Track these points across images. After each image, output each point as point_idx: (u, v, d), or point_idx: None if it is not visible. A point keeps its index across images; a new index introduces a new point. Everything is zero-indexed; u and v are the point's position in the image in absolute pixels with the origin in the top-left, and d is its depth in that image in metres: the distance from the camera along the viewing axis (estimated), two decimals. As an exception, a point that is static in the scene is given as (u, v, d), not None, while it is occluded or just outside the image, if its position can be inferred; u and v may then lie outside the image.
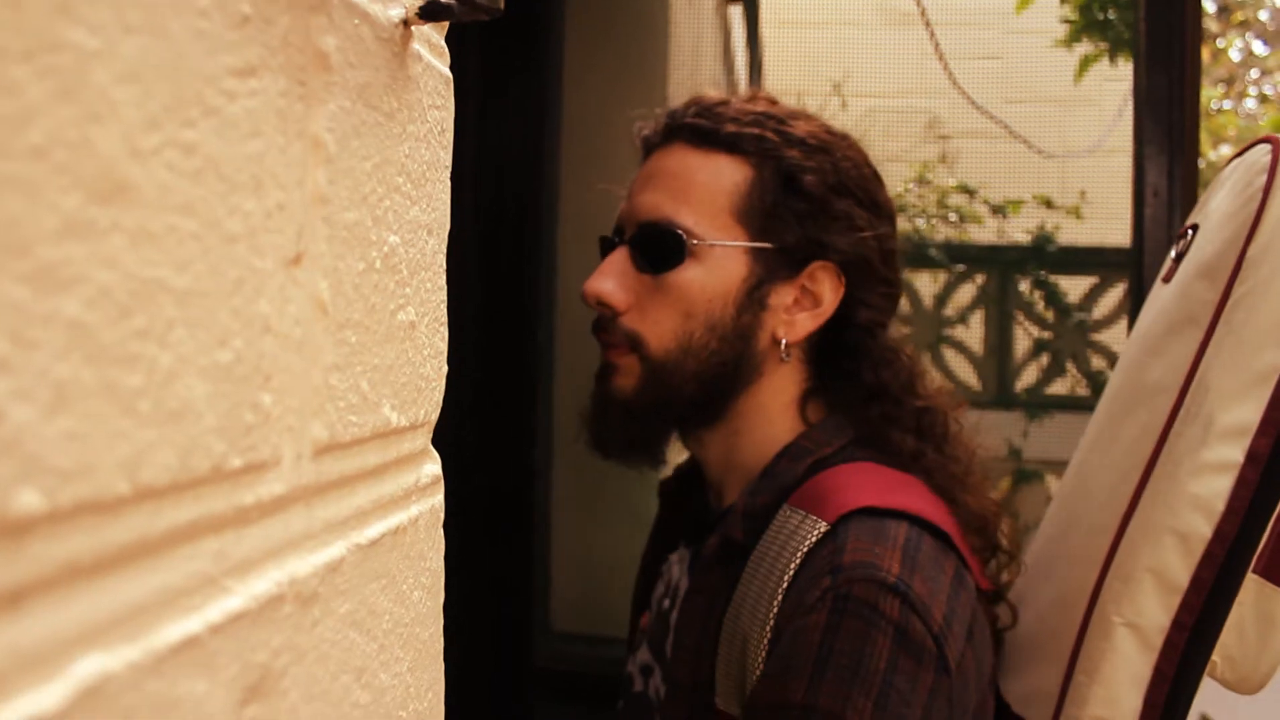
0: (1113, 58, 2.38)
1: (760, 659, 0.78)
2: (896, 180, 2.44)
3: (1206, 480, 0.75)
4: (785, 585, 0.78)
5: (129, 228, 0.25)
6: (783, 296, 0.88)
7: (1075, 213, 2.08)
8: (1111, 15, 2.17)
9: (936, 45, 2.64)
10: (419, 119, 0.44)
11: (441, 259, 0.48)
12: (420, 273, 0.45)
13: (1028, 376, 1.97)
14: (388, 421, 0.41)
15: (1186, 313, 0.80)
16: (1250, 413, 0.74)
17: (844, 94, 3.11)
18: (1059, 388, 1.95)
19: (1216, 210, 0.82)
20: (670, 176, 0.89)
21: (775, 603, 0.78)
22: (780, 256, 0.87)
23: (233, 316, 0.30)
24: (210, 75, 0.28)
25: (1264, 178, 0.77)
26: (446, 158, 0.48)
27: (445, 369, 0.49)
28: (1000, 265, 2.02)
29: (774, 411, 0.90)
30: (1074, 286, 2.06)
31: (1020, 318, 2.03)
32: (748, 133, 0.88)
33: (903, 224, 2.32)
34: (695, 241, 0.86)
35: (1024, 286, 2.07)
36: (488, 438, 1.50)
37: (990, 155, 3.04)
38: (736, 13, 2.43)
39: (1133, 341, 0.91)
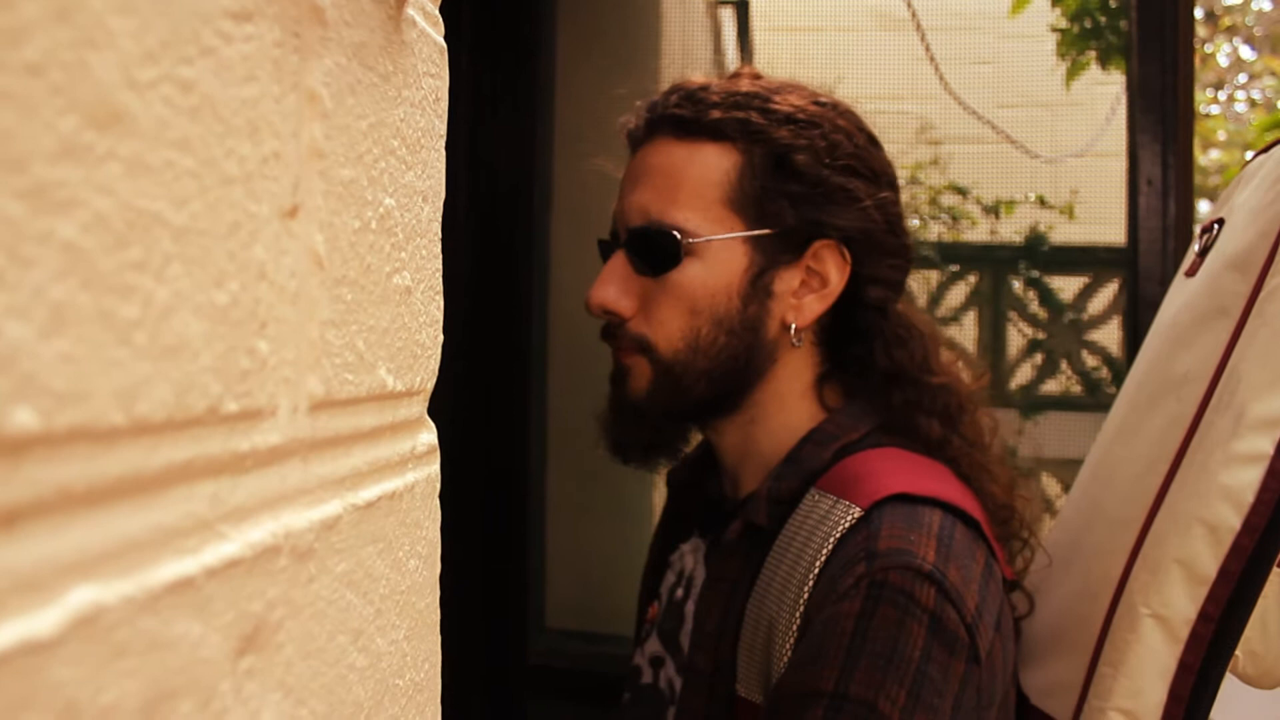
0: (1103, 63, 2.39)
1: (788, 646, 0.77)
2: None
3: (1236, 471, 0.74)
4: (817, 571, 0.76)
5: (126, 157, 0.25)
6: (788, 281, 0.86)
7: (1069, 211, 2.09)
8: (1101, 20, 2.18)
9: (928, 49, 2.65)
10: (414, 85, 0.44)
11: (437, 228, 0.48)
12: (416, 239, 0.45)
13: (1022, 375, 1.98)
14: (384, 384, 0.41)
15: (1217, 304, 0.80)
16: None
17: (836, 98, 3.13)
18: (1053, 386, 1.95)
19: (1245, 205, 0.82)
20: (657, 174, 0.87)
21: (806, 588, 0.76)
22: (780, 241, 0.86)
23: (229, 259, 0.29)
24: (206, 15, 0.28)
25: None
26: (441, 127, 0.48)
27: (441, 339, 0.49)
28: (992, 264, 2.02)
29: (791, 398, 0.88)
30: (1067, 285, 2.07)
31: (1013, 317, 2.03)
32: (732, 117, 0.85)
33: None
34: (690, 239, 0.85)
35: (1017, 285, 2.07)
36: (481, 435, 1.50)
37: (982, 158, 3.06)
38: (728, 15, 2.44)
39: (1155, 334, 0.91)
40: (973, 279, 2.02)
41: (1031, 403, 1.93)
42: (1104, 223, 2.34)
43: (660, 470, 0.96)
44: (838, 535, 0.77)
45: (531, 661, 1.52)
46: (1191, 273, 0.88)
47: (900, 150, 3.03)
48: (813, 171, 0.85)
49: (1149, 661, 0.76)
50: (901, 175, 2.68)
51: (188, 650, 0.27)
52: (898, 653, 0.71)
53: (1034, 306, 2.00)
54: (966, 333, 1.94)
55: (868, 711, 0.70)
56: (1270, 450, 0.74)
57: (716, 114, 0.86)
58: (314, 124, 0.35)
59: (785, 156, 0.85)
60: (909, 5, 2.78)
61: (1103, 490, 0.89)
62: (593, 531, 1.64)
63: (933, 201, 2.15)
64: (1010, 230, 2.01)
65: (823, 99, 0.90)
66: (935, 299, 1.97)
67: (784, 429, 0.88)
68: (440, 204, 0.48)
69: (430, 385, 0.48)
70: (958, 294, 1.99)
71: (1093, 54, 2.34)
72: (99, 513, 0.25)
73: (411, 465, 0.45)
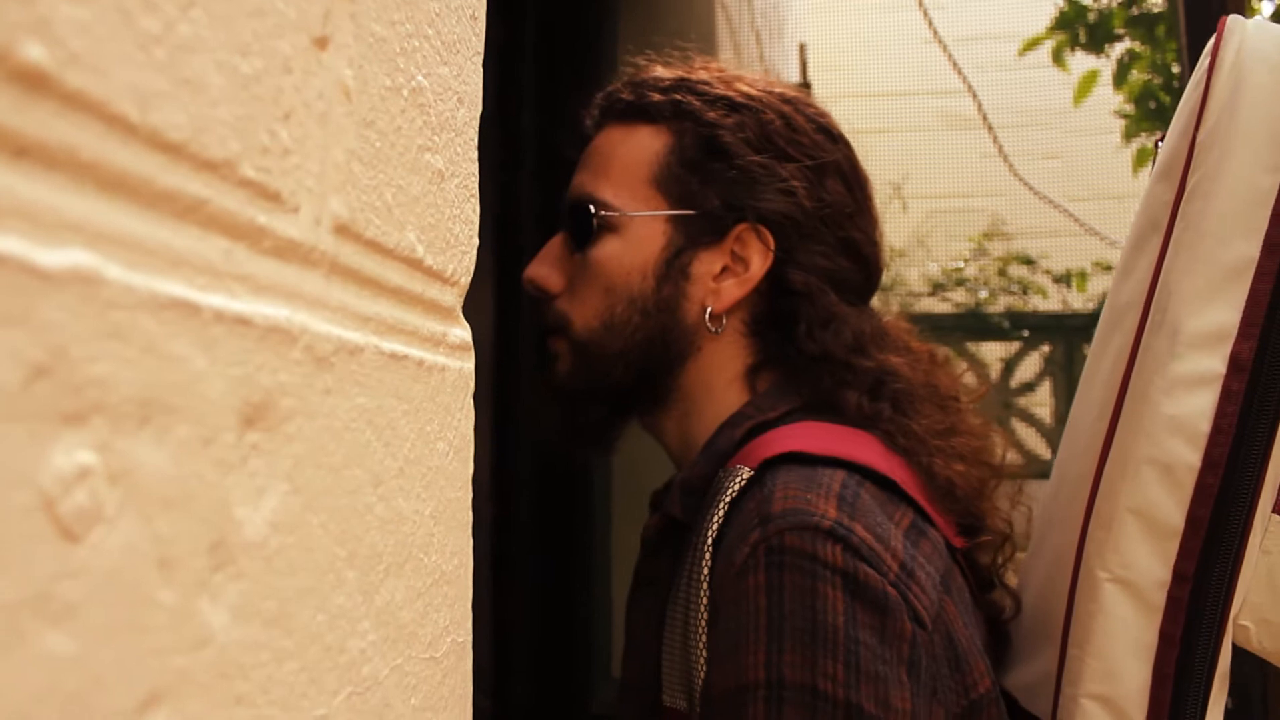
0: (1173, 146, 2.38)
1: (702, 635, 0.70)
2: (956, 262, 2.46)
3: (1182, 398, 0.66)
4: (711, 544, 0.71)
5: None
6: (708, 264, 0.84)
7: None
8: (1165, 100, 2.19)
9: (999, 145, 2.68)
10: (452, -8, 0.46)
11: (472, 135, 0.49)
12: (450, 133, 0.46)
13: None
14: (413, 249, 0.42)
15: (1149, 219, 0.74)
16: (1225, 314, 0.66)
17: (904, 196, 3.17)
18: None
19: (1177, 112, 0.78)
20: (595, 155, 0.89)
21: (704, 565, 0.70)
22: (703, 222, 0.84)
23: (253, 36, 0.31)
24: None
25: (1209, 60, 0.72)
26: (478, 44, 0.50)
27: (476, 242, 0.50)
28: (1065, 334, 1.98)
29: (719, 387, 0.84)
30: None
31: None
32: (669, 99, 0.86)
33: (964, 296, 2.33)
34: (611, 214, 0.84)
35: (1092, 354, 2.03)
36: (545, 479, 1.50)
37: (1057, 255, 3.04)
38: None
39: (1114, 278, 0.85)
40: (1046, 348, 1.98)
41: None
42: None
43: (589, 456, 0.92)
44: (727, 500, 0.71)
45: (595, 711, 1.47)
46: None
47: (972, 247, 3.04)
48: (739, 153, 0.83)
49: (1119, 636, 0.66)
50: (967, 247, 2.64)
51: (190, 377, 0.28)
52: (819, 623, 0.64)
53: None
54: (1042, 400, 1.90)
55: (811, 697, 0.63)
56: (1221, 369, 0.65)
57: (655, 97, 0.87)
58: (346, -30, 0.37)
59: (713, 137, 0.84)
60: (977, 104, 2.83)
61: (1066, 451, 0.80)
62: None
63: (1001, 273, 2.13)
64: (1079, 299, 1.98)
65: (777, 89, 0.88)
66: (1009, 369, 1.93)
67: (715, 419, 0.83)
68: (476, 117, 0.50)
69: (465, 281, 0.48)
70: (1031, 365, 1.95)
71: (1159, 135, 2.32)
72: (108, 198, 0.26)
73: (444, 351, 0.46)
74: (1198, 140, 0.71)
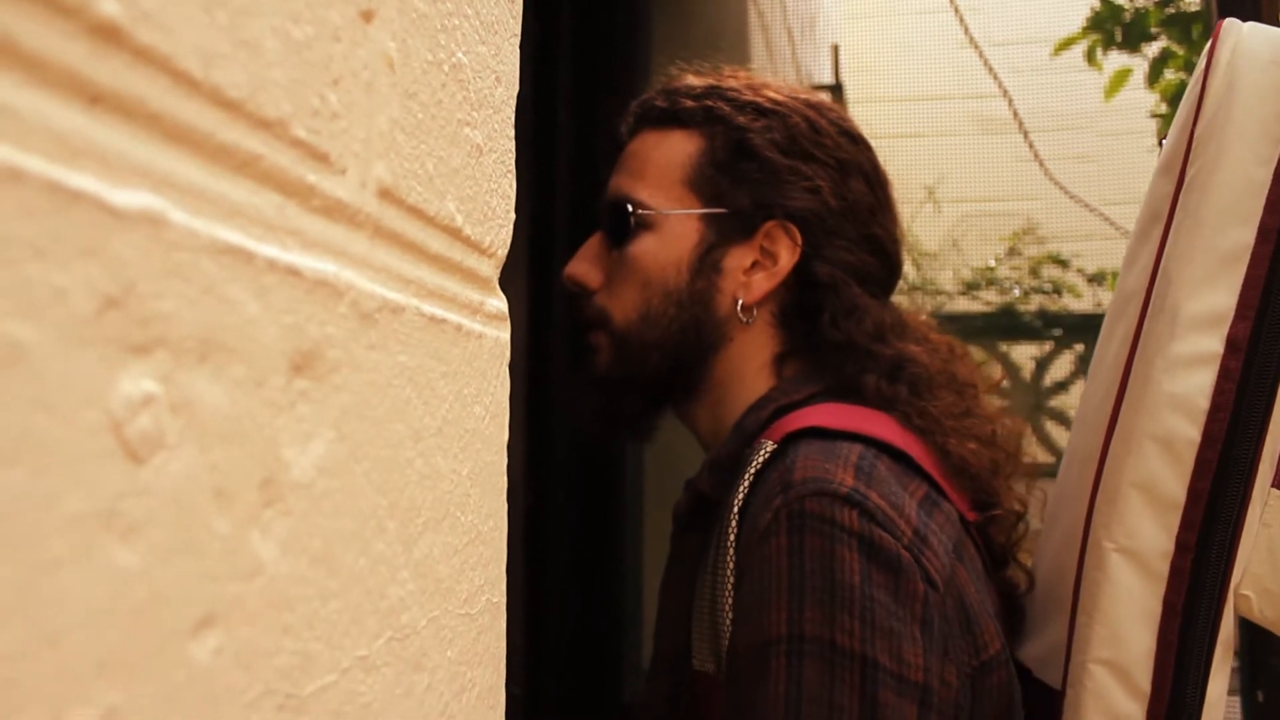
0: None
1: (728, 598, 0.75)
2: (988, 261, 2.45)
3: (1182, 377, 0.70)
4: (737, 512, 0.76)
5: None
6: (739, 259, 0.89)
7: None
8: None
9: (1032, 147, 2.67)
10: (491, -26, 0.48)
11: (509, 114, 0.51)
12: (489, 110, 0.48)
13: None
14: (453, 218, 0.44)
15: (1152, 211, 0.78)
16: (1222, 297, 0.70)
17: (938, 199, 3.16)
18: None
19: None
20: (631, 158, 0.94)
21: (731, 531, 0.76)
22: (733, 220, 0.89)
23: (305, 5, 0.33)
24: None
25: (1205, 60, 0.76)
26: (515, 26, 0.52)
27: (513, 217, 0.51)
28: (1098, 333, 1.97)
29: (749, 374, 0.89)
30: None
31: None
32: (701, 105, 0.91)
33: (995, 296, 2.33)
34: (647, 212, 0.90)
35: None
36: (577, 471, 1.51)
37: (1090, 255, 3.02)
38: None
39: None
40: (1079, 348, 1.97)
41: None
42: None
43: (624, 444, 0.97)
44: (752, 471, 0.77)
45: (626, 700, 1.49)
46: None
47: (1005, 252, 3.03)
48: (767, 154, 0.89)
49: (1125, 603, 0.69)
50: (1001, 248, 2.62)
51: (244, 320, 0.30)
52: (837, 582, 0.68)
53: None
54: (1075, 399, 1.88)
55: (830, 651, 0.68)
56: (1219, 349, 0.69)
57: (688, 103, 0.92)
58: (392, -52, 0.39)
59: (744, 140, 0.89)
60: (1011, 107, 2.81)
61: (1077, 431, 0.85)
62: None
63: (1034, 273, 2.13)
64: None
65: (801, 94, 0.94)
66: (1042, 369, 1.92)
67: (744, 404, 0.88)
68: (514, 98, 0.52)
69: (502, 254, 0.50)
70: (1064, 364, 1.94)
71: (1164, 135, 2.29)
72: (173, 147, 0.27)
73: (481, 319, 0.47)
74: (1195, 135, 0.75)
